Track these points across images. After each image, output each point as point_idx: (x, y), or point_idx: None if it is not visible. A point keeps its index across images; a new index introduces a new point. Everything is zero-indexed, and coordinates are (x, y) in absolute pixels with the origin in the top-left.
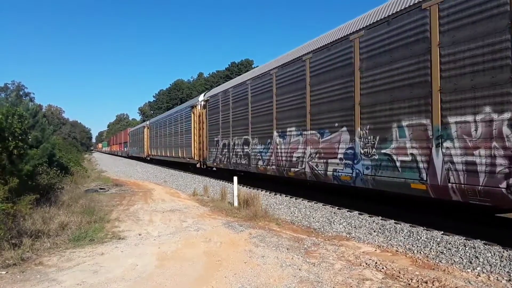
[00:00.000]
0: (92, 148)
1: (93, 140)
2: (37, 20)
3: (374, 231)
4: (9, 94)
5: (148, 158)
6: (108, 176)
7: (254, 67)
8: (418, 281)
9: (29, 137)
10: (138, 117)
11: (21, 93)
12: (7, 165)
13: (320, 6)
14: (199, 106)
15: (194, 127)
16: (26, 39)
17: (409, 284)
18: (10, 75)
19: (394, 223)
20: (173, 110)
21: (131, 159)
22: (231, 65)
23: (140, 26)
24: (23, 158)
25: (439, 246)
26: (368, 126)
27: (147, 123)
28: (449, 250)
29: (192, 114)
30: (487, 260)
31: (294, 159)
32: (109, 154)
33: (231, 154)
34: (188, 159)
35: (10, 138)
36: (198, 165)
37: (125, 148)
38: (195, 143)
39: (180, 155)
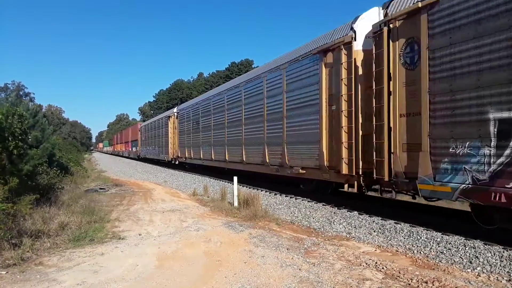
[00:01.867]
0: (92, 148)
1: (93, 140)
2: (37, 19)
3: (374, 231)
4: (9, 94)
5: (176, 162)
6: (108, 176)
7: (254, 67)
8: (418, 281)
9: (29, 137)
10: (138, 117)
11: (21, 93)
12: (7, 165)
13: (320, 6)
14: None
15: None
16: (26, 39)
17: (409, 284)
18: (10, 75)
19: (394, 223)
20: (251, 73)
21: (145, 162)
22: (231, 65)
23: (140, 26)
24: (23, 158)
25: (439, 246)
26: None
27: (174, 111)
28: (449, 250)
29: (342, 61)
30: (487, 260)
31: None
32: (111, 154)
33: None
34: (328, 174)
35: (10, 138)
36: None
37: (133, 148)
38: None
39: (280, 161)
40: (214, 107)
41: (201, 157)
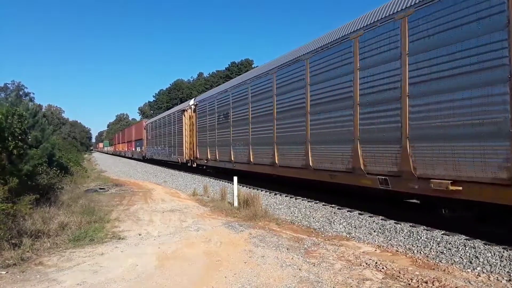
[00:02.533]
0: (92, 148)
1: (93, 140)
2: (37, 19)
3: (374, 231)
4: (9, 94)
5: (193, 165)
6: (108, 176)
7: (254, 67)
8: (418, 281)
9: (29, 137)
10: (138, 117)
11: (21, 93)
12: (7, 165)
13: (320, 6)
14: None
15: None
16: (26, 39)
17: (409, 284)
18: (10, 75)
19: (394, 223)
20: (323, 38)
21: (151, 163)
22: (231, 65)
23: (140, 26)
24: (23, 158)
25: (439, 246)
26: None
27: (191, 103)
28: (449, 250)
29: None
30: (487, 260)
31: None
32: (112, 155)
33: None
34: None
35: (10, 138)
36: None
37: (137, 148)
38: None
39: (395, 168)
40: (254, 93)
41: (232, 159)
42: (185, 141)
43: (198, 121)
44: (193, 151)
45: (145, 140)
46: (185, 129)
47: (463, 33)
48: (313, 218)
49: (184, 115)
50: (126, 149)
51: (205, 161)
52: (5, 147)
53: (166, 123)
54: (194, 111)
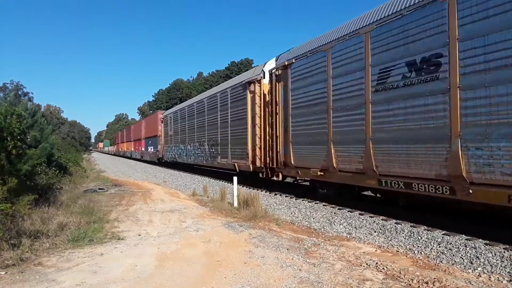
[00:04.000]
0: (91, 148)
1: (92, 140)
2: (36, 19)
3: (375, 231)
4: (8, 94)
5: (277, 178)
6: (107, 176)
7: (254, 67)
8: (418, 281)
9: (28, 137)
10: (138, 117)
11: (19, 92)
12: (5, 165)
13: (319, 6)
14: None
15: None
16: (25, 39)
17: (410, 285)
18: (9, 74)
19: (395, 223)
20: None
21: (172, 168)
22: (231, 64)
23: (140, 26)
24: (21, 158)
25: (439, 247)
26: None
27: (267, 67)
28: (449, 251)
29: None
30: (488, 260)
31: None
32: (114, 155)
33: None
34: None
35: (8, 138)
36: None
37: (149, 147)
38: None
39: None
40: None
41: (464, 175)
42: (254, 134)
43: (294, 94)
44: (276, 152)
45: (162, 137)
46: (256, 114)
47: None
48: (313, 218)
49: (250, 91)
50: (132, 148)
51: (318, 173)
52: (4, 147)
53: (205, 109)
54: (278, 79)
